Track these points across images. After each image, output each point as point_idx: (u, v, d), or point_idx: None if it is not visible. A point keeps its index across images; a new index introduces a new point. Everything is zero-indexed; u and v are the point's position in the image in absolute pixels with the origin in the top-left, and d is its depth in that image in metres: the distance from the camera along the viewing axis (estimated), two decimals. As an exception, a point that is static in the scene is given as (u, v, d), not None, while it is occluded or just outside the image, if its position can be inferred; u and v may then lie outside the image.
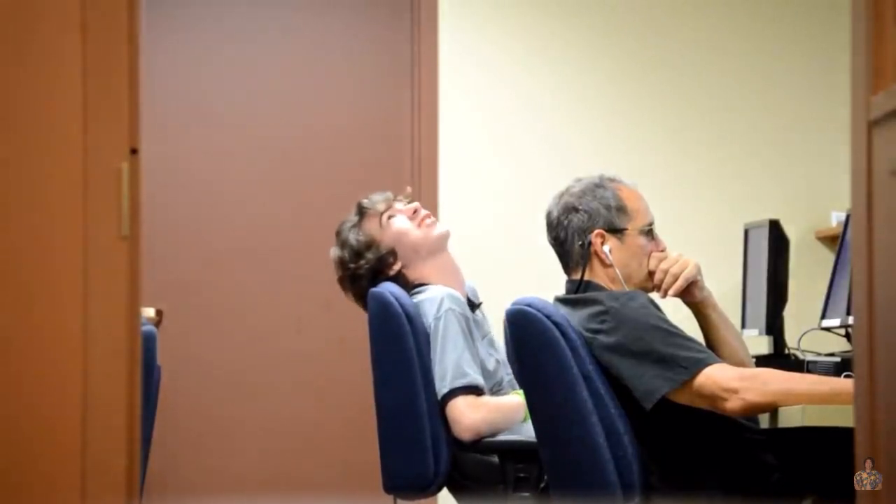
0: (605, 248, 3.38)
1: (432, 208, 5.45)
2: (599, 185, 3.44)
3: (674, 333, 3.19)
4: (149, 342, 3.62)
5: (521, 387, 3.46)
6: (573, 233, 3.41)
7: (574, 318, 3.27)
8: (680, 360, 3.14)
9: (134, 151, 1.99)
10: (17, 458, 1.95)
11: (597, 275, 3.40)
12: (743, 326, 4.66)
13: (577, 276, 3.40)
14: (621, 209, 3.41)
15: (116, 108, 1.98)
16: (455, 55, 5.48)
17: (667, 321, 3.22)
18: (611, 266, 3.39)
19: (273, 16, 5.48)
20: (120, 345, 1.97)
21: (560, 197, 3.46)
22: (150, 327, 3.64)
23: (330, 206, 5.48)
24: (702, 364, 3.13)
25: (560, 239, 3.44)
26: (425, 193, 5.44)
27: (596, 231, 3.39)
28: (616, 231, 3.40)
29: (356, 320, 5.36)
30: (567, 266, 3.44)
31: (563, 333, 3.22)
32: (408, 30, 5.50)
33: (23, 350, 1.95)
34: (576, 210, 3.41)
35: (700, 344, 3.26)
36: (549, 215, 3.47)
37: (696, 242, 5.13)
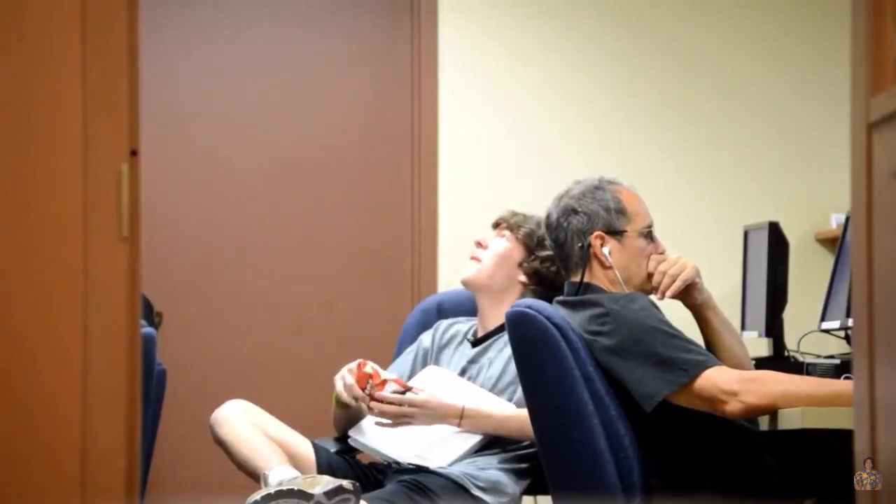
0: (605, 250, 3.38)
1: (432, 208, 5.44)
2: (599, 187, 3.44)
3: (674, 336, 3.18)
4: (148, 344, 3.61)
5: (522, 388, 3.46)
6: (573, 235, 3.41)
7: (574, 320, 3.26)
8: (680, 362, 3.14)
9: (134, 153, 1.99)
10: (18, 457, 1.95)
11: (596, 277, 3.40)
12: (742, 328, 4.66)
13: (577, 278, 3.39)
14: (620, 211, 3.41)
15: (116, 109, 1.99)
16: (455, 55, 5.48)
17: (667, 323, 3.21)
18: (610, 268, 3.38)
19: (273, 15, 5.48)
20: (120, 345, 1.97)
21: (560, 199, 3.46)
22: (149, 329, 3.64)
23: (330, 206, 5.48)
24: (702, 366, 3.13)
25: (559, 241, 3.44)
26: (425, 193, 5.44)
27: (595, 233, 3.39)
28: (615, 233, 3.40)
29: (356, 321, 5.38)
30: (567, 268, 3.44)
31: (564, 335, 3.21)
32: (408, 30, 5.50)
33: (23, 350, 1.95)
34: (575, 212, 3.41)
35: (700, 346, 3.26)
36: (548, 217, 3.47)
37: (696, 244, 5.12)
